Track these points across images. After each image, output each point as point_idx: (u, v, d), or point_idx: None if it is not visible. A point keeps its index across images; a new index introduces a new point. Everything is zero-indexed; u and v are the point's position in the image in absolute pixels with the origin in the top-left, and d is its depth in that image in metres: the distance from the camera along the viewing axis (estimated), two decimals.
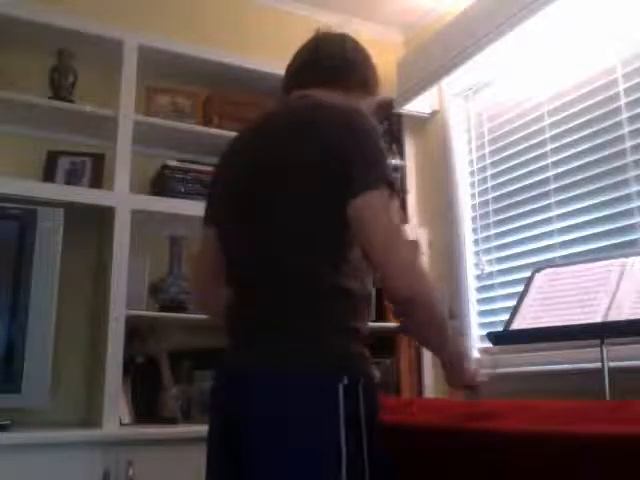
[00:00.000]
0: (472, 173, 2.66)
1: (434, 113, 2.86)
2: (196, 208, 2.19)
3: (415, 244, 1.21)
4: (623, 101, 2.06)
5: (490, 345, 2.19)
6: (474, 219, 2.62)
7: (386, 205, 1.18)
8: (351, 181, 1.17)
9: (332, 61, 1.40)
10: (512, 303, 1.94)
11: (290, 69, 1.46)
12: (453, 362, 1.29)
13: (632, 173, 2.01)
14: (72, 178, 2.31)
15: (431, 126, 2.87)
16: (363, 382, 1.17)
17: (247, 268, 1.29)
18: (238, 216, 1.31)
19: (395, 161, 2.82)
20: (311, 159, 1.21)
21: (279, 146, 1.27)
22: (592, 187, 2.12)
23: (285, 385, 1.14)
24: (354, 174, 1.18)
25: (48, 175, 2.29)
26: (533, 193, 2.34)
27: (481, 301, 2.54)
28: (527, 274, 2.00)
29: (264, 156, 1.29)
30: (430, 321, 1.21)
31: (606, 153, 2.09)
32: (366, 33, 3.07)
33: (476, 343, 2.51)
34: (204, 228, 1.45)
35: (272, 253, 1.23)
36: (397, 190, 1.23)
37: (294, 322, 1.19)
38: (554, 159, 2.27)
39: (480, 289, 2.54)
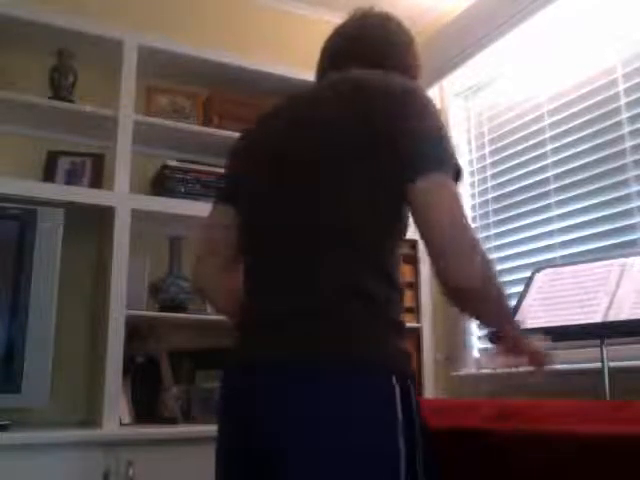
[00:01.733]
0: (472, 173, 2.67)
1: None
2: (196, 208, 2.21)
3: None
4: (623, 101, 2.06)
5: (490, 345, 2.20)
6: (474, 219, 2.61)
7: (455, 190, 1.11)
8: (415, 159, 1.10)
9: (374, 44, 1.31)
10: (512, 303, 1.94)
11: (328, 50, 1.36)
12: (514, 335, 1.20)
13: (632, 173, 2.01)
14: (72, 178, 2.31)
15: None
16: (411, 381, 1.10)
17: (271, 261, 1.19)
18: (272, 194, 1.21)
19: None
20: (363, 139, 1.13)
21: (325, 119, 1.18)
22: (592, 187, 2.12)
23: (335, 385, 1.04)
24: (418, 152, 1.11)
25: (48, 175, 2.29)
26: (533, 193, 2.34)
27: None
28: (527, 274, 2.00)
29: (308, 128, 1.20)
30: (496, 310, 1.16)
31: (606, 153, 2.09)
32: None
33: (476, 343, 2.52)
34: (217, 204, 1.35)
35: (305, 245, 1.14)
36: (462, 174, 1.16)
37: (342, 313, 1.09)
38: (554, 159, 2.27)
39: None
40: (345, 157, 1.14)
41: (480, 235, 2.57)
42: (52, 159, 2.33)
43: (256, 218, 1.25)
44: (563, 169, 2.24)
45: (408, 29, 1.37)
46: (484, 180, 2.59)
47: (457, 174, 1.13)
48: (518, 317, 1.71)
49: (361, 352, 1.07)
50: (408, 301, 2.63)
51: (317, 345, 1.07)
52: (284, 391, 1.06)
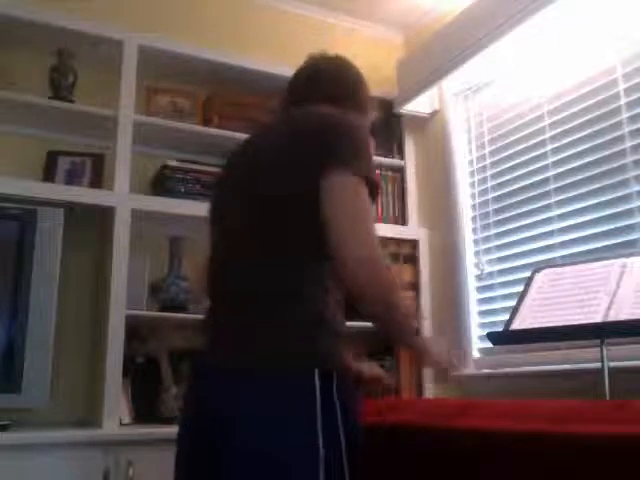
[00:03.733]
0: (472, 173, 2.66)
1: (434, 113, 2.86)
2: (196, 208, 2.21)
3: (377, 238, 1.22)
4: (623, 101, 2.06)
5: (490, 345, 2.20)
6: (474, 219, 2.62)
7: (359, 190, 1.20)
8: (329, 164, 1.21)
9: (328, 84, 1.48)
10: (512, 303, 1.94)
11: (289, 89, 1.54)
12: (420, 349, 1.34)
13: (632, 173, 2.01)
14: (72, 178, 2.31)
15: (431, 126, 2.87)
16: (337, 378, 1.18)
17: (221, 270, 1.33)
18: (222, 219, 1.39)
19: (395, 161, 2.83)
20: (292, 160, 1.26)
21: (266, 154, 1.33)
22: (592, 187, 2.12)
23: (257, 385, 1.15)
24: (333, 159, 1.21)
25: (48, 175, 2.29)
26: (533, 193, 2.34)
27: (481, 301, 2.54)
28: (527, 274, 2.00)
29: (248, 167, 1.36)
30: (390, 313, 1.23)
31: (606, 153, 2.09)
32: (366, 33, 3.08)
33: (476, 343, 2.52)
34: (209, 225, 1.48)
35: (245, 254, 1.27)
36: (377, 189, 1.26)
37: (265, 322, 1.20)
38: (554, 159, 2.27)
39: (480, 289, 2.54)
40: (282, 175, 1.26)
41: (480, 235, 2.57)
42: (52, 159, 2.33)
43: (216, 219, 1.42)
44: (563, 169, 2.24)
45: (358, 68, 1.54)
46: (484, 180, 2.59)
47: (371, 187, 1.23)
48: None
49: (284, 354, 1.17)
50: (408, 301, 2.62)
51: (248, 351, 1.18)
52: (224, 392, 1.17)
